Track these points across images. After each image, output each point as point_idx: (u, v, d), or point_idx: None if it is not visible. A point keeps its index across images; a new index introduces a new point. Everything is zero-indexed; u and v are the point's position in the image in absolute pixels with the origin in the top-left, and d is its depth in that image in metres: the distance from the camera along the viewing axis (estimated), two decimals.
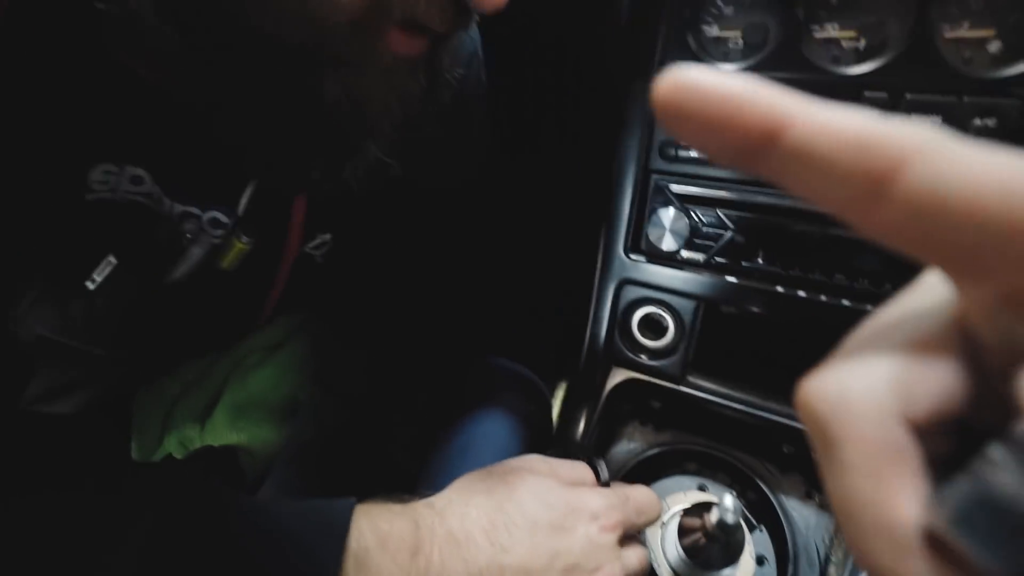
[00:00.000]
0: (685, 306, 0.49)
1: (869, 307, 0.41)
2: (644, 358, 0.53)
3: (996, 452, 0.10)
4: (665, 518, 0.47)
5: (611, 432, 0.55)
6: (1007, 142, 0.33)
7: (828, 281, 0.42)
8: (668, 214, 0.45)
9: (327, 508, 0.32)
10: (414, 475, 0.52)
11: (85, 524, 0.28)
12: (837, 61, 0.38)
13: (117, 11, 0.26)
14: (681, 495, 0.49)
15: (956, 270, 0.12)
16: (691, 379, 0.52)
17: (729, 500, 0.38)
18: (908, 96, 0.36)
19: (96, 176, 0.35)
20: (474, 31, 0.47)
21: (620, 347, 0.53)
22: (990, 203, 0.10)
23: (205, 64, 0.28)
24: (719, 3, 0.40)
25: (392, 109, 0.34)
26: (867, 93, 0.37)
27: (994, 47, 0.34)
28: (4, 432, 0.36)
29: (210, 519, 0.31)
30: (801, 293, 0.43)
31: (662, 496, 0.48)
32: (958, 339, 0.12)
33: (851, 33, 0.37)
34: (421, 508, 0.35)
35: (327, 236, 0.49)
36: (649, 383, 0.53)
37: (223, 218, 0.42)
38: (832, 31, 0.37)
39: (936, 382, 0.12)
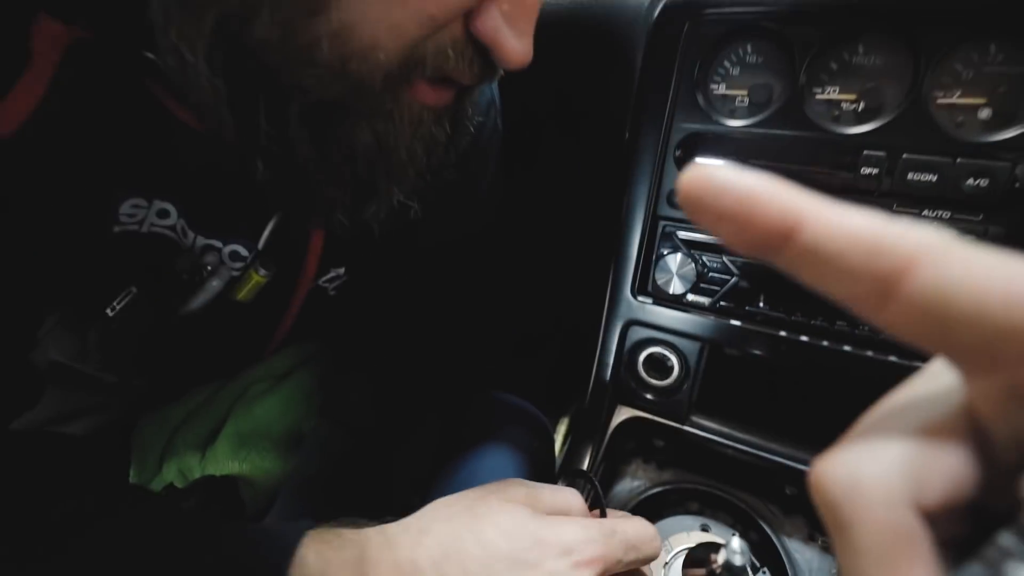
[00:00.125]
0: (690, 347, 0.50)
1: (869, 352, 0.42)
2: (649, 396, 0.54)
3: (1008, 540, 0.11)
4: (668, 558, 0.47)
5: (615, 469, 0.56)
6: (999, 202, 0.34)
7: (829, 327, 0.43)
8: (675, 259, 0.47)
9: (278, 533, 0.32)
10: (417, 508, 0.52)
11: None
12: (837, 121, 0.40)
13: (173, 63, 0.27)
14: (684, 535, 0.49)
15: (963, 363, 0.12)
16: (694, 419, 0.53)
17: (736, 542, 0.38)
18: (905, 156, 0.38)
19: (125, 209, 0.36)
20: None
21: (625, 385, 0.54)
22: (993, 305, 0.11)
23: (249, 113, 0.30)
24: (726, 64, 0.42)
25: (417, 155, 0.35)
26: (866, 152, 0.39)
27: (984, 114, 0.37)
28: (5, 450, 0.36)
29: (157, 533, 0.31)
30: (803, 338, 0.45)
31: (665, 535, 0.48)
32: (967, 426, 0.13)
33: (851, 96, 0.39)
34: (373, 535, 0.34)
35: (341, 270, 0.50)
36: (653, 421, 0.54)
37: (243, 251, 0.43)
38: (832, 93, 0.40)
39: (946, 470, 0.12)
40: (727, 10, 0.41)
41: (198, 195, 0.38)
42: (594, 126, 0.56)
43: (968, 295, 0.11)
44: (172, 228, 0.39)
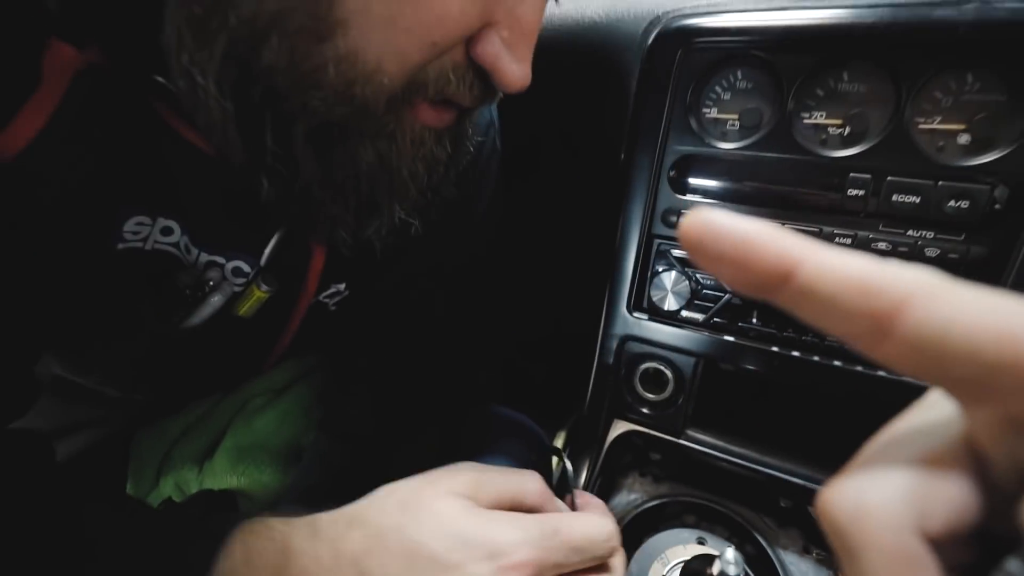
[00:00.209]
0: (685, 362, 0.51)
1: (859, 368, 0.44)
2: (645, 410, 0.54)
3: (1015, 566, 0.11)
4: (665, 571, 0.47)
5: (611, 482, 0.56)
6: (980, 223, 0.36)
7: (820, 343, 0.45)
8: (670, 276, 0.48)
9: (208, 524, 0.32)
10: None
11: None
12: (824, 144, 0.42)
13: (184, 86, 0.28)
14: (681, 548, 0.50)
15: (959, 395, 0.13)
16: (690, 432, 0.53)
17: (730, 553, 0.39)
18: (889, 178, 0.40)
19: (129, 227, 0.37)
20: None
21: (622, 399, 0.55)
22: (984, 342, 0.11)
23: (256, 133, 0.31)
24: (718, 89, 0.44)
25: (419, 173, 0.36)
26: (852, 174, 0.41)
27: (963, 139, 0.38)
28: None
29: (86, 519, 0.31)
30: (795, 353, 0.46)
31: (661, 549, 0.49)
32: (967, 454, 0.13)
33: (837, 121, 0.41)
34: (301, 525, 0.34)
35: (342, 286, 0.50)
36: (649, 435, 0.55)
37: (245, 267, 0.43)
38: (819, 118, 0.41)
39: (948, 497, 0.13)
40: (718, 39, 0.42)
41: (202, 213, 0.39)
42: (590, 147, 0.57)
43: (959, 333, 0.11)
44: (176, 245, 0.40)
